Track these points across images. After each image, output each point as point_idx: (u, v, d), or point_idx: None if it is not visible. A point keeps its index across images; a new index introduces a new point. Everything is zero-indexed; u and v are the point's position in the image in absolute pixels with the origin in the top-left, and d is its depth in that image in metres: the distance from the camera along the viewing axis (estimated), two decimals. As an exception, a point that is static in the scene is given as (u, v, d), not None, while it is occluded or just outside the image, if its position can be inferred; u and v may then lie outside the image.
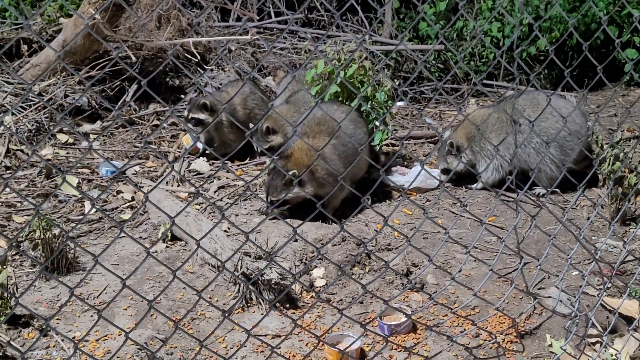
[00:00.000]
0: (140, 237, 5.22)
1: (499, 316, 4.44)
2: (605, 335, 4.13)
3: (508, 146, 5.92)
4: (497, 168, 6.01)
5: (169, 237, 5.19)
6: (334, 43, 7.68)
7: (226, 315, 2.70)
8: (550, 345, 4.30)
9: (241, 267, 4.43)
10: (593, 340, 4.32)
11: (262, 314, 4.39)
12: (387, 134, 6.37)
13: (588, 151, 5.96)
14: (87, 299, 4.44)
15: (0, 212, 5.48)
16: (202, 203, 5.76)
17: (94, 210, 5.60)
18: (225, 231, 5.26)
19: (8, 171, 6.19)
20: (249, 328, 4.25)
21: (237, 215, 5.55)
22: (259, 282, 4.41)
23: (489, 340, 4.28)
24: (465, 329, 4.38)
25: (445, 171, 6.25)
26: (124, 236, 5.10)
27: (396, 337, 4.29)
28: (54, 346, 3.99)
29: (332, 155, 5.64)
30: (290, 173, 5.36)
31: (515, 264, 5.03)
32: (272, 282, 4.39)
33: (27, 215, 5.43)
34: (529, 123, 5.89)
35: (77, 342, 3.12)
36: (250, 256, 4.52)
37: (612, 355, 4.09)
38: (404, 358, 4.11)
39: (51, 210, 5.58)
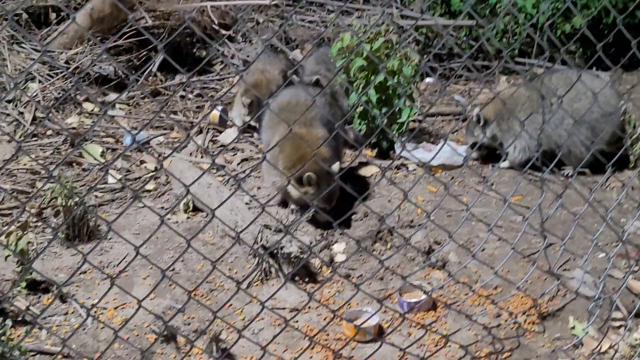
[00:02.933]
0: (162, 208, 5.20)
1: (521, 296, 4.36)
2: (630, 318, 4.04)
3: (537, 127, 5.79)
4: (524, 148, 5.89)
5: (191, 209, 5.16)
6: (362, 17, 7.57)
7: (239, 286, 2.65)
8: (573, 328, 4.21)
9: (261, 240, 4.39)
10: (617, 324, 4.23)
11: (280, 287, 4.35)
12: (414, 111, 6.27)
13: (621, 131, 5.83)
14: (107, 267, 4.44)
15: (25, 179, 5.48)
16: (224, 175, 5.72)
17: (116, 179, 5.60)
18: (247, 204, 5.23)
19: (34, 139, 6.20)
20: (268, 301, 4.26)
21: (259, 188, 5.50)
22: (279, 255, 4.37)
23: (510, 321, 4.21)
24: (485, 309, 4.32)
25: (472, 145, 6.15)
26: (144, 206, 5.15)
27: (415, 314, 4.23)
28: (72, 312, 3.98)
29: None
30: (306, 176, 4.90)
31: (540, 244, 4.93)
32: (292, 255, 4.34)
33: (51, 182, 5.42)
34: (560, 103, 5.77)
35: (89, 308, 3.10)
36: (270, 229, 4.47)
37: (636, 339, 4.00)
38: (422, 335, 4.06)
39: (75, 178, 5.57)
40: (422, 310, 4.26)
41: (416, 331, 4.12)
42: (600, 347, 3.97)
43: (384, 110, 5.96)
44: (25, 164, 5.77)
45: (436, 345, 4.01)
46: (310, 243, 4.75)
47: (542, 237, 4.84)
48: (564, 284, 3.16)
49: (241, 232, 2.98)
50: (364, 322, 3.90)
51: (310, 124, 5.24)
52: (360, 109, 5.97)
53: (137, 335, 3.86)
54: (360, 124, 6.05)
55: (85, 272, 4.34)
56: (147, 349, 3.26)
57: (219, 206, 3.03)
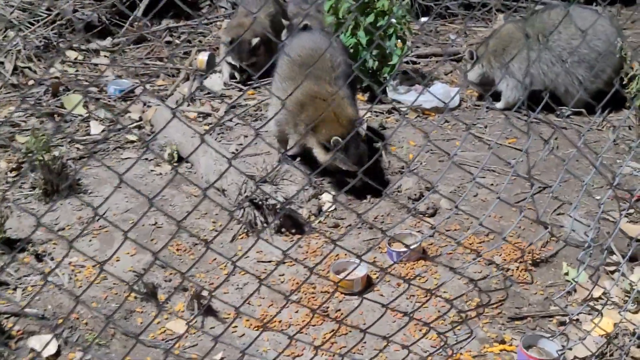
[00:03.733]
0: (146, 159, 5.06)
1: (514, 243, 4.25)
2: (624, 263, 3.92)
3: (530, 63, 5.61)
4: (516, 86, 5.71)
5: (175, 159, 5.02)
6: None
7: (208, 246, 2.51)
8: (567, 274, 4.11)
9: (245, 191, 4.26)
10: (612, 268, 4.12)
11: (267, 240, 4.23)
12: (406, 52, 6.08)
13: (619, 69, 5.64)
14: (86, 223, 4.30)
15: (4, 132, 5.33)
16: (211, 123, 5.57)
17: (99, 130, 5.45)
18: (233, 153, 5.09)
19: (16, 89, 6.03)
20: (253, 252, 4.16)
21: (246, 137, 5.35)
22: (264, 206, 4.25)
23: (503, 268, 4.10)
24: (476, 257, 4.20)
25: (465, 76, 6.00)
26: (127, 157, 5.01)
27: (405, 264, 4.12)
28: (48, 272, 3.87)
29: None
30: (333, 140, 4.55)
31: (533, 188, 4.80)
32: (277, 206, 4.21)
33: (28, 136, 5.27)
34: (558, 40, 5.57)
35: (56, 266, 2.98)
36: (254, 179, 4.33)
37: (630, 284, 3.90)
38: (406, 288, 3.94)
39: (55, 129, 5.42)
40: (412, 260, 4.14)
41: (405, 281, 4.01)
42: (593, 294, 3.86)
43: (374, 52, 5.77)
44: (5, 116, 5.62)
45: (426, 296, 3.90)
46: (299, 193, 4.61)
47: (535, 182, 4.73)
48: (551, 233, 3.01)
49: (209, 187, 2.80)
50: (348, 273, 3.78)
51: (335, 82, 4.88)
52: (350, 51, 5.78)
53: (116, 293, 3.75)
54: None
55: (63, 228, 4.21)
56: (110, 315, 3.12)
57: (190, 155, 2.86)
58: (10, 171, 4.81)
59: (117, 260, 3.97)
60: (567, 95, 5.65)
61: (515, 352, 3.55)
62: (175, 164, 4.99)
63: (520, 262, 4.13)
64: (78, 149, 5.21)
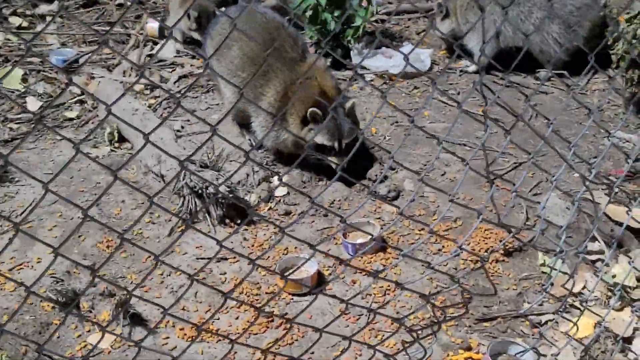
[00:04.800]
0: (84, 139, 4.58)
1: (484, 230, 3.82)
2: (611, 251, 3.49)
3: (497, 19, 5.14)
4: (488, 46, 5.21)
5: (116, 139, 4.56)
6: None
7: (123, 238, 2.06)
8: (543, 264, 3.69)
9: (184, 178, 3.81)
10: (594, 257, 3.70)
11: (209, 232, 3.80)
12: (372, 11, 5.59)
13: (600, 24, 5.17)
14: (9, 217, 3.86)
15: None
16: (158, 97, 5.08)
17: (36, 107, 4.97)
18: (178, 131, 4.62)
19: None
20: (192, 247, 3.72)
21: (195, 111, 4.87)
22: (204, 195, 3.80)
23: (469, 260, 3.68)
24: (443, 247, 3.77)
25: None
26: (62, 139, 4.54)
27: (362, 257, 3.69)
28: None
29: None
30: (351, 103, 4.22)
31: (509, 164, 4.36)
32: (219, 196, 3.77)
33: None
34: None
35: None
36: (195, 164, 3.87)
37: (614, 276, 3.48)
38: (369, 283, 3.53)
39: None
40: (369, 253, 3.71)
41: (362, 278, 3.59)
42: (573, 287, 3.44)
43: (336, 13, 5.26)
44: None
45: (384, 295, 3.49)
46: (247, 175, 4.16)
47: (514, 155, 4.30)
48: (517, 237, 2.56)
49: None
50: (294, 271, 3.35)
51: (303, 51, 4.42)
52: (309, 13, 5.27)
53: (32, 303, 3.31)
54: (311, 30, 5.36)
55: (-22, 224, 3.77)
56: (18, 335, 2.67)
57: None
58: None
59: (38, 262, 3.54)
60: (543, 56, 5.17)
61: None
62: (115, 145, 4.53)
63: (493, 251, 3.71)
64: (11, 129, 4.74)
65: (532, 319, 3.38)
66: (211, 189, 3.75)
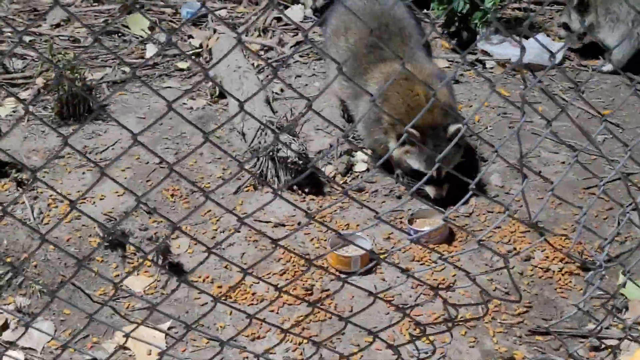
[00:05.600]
0: (186, 90, 4.61)
1: (564, 238, 3.50)
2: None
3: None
4: (633, 45, 4.75)
5: (217, 94, 4.55)
6: None
7: (208, 196, 2.01)
8: (623, 286, 3.31)
9: (259, 137, 3.75)
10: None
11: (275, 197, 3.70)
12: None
13: None
14: (91, 153, 3.94)
15: (59, 47, 5.02)
16: (270, 58, 5.03)
17: (153, 53, 5.07)
18: (276, 93, 4.56)
19: (95, 3, 5.75)
20: (254, 208, 3.64)
21: (299, 77, 4.78)
22: (275, 158, 3.71)
23: (541, 267, 3.38)
24: (515, 248, 3.48)
25: (565, 26, 5.10)
26: (168, 86, 4.62)
27: (422, 247, 3.47)
28: (22, 203, 3.53)
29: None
30: (456, 128, 3.60)
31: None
32: (288, 160, 3.66)
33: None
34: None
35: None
36: (273, 124, 3.78)
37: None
38: (424, 271, 3.32)
39: (111, 49, 5.08)
40: (433, 242, 3.49)
41: (418, 266, 3.38)
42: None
43: (465, -7, 4.98)
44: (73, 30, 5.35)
45: (435, 287, 3.26)
46: (330, 146, 4.03)
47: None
48: (547, 241, 2.24)
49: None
50: (339, 247, 3.21)
51: (412, 55, 3.95)
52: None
53: (80, 237, 3.36)
54: (438, 8, 5.12)
55: (62, 156, 3.86)
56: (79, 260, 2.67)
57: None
58: (44, 87, 4.52)
59: (101, 199, 3.59)
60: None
61: (522, 375, 2.87)
62: (213, 99, 4.53)
63: (568, 262, 3.38)
64: (123, 72, 4.85)
65: (593, 342, 3.05)
66: (282, 153, 3.65)
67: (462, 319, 2.67)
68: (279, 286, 2.05)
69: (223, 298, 3.16)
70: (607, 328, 3.10)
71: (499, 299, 3.06)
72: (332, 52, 4.11)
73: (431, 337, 2.44)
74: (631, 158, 2.34)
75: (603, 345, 3.03)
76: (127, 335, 2.05)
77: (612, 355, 2.87)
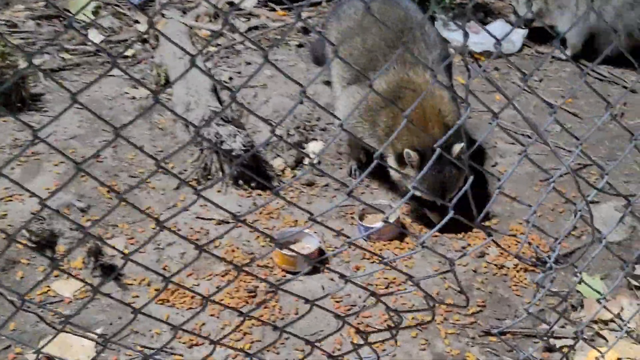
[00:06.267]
0: (128, 78, 4.40)
1: (518, 233, 3.36)
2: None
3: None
4: (579, 22, 4.63)
5: (162, 82, 4.34)
6: None
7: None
8: (580, 282, 3.18)
9: (204, 130, 3.55)
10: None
11: (220, 192, 3.52)
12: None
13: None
14: (21, 146, 3.71)
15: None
16: (220, 45, 4.82)
17: (97, 40, 4.83)
18: (225, 82, 4.36)
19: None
20: (196, 204, 3.45)
21: (249, 64, 4.58)
22: (219, 151, 3.52)
23: (495, 264, 3.24)
24: (469, 244, 3.34)
25: (514, 12, 5.03)
26: (112, 75, 4.40)
27: (374, 243, 3.31)
28: None
29: None
30: (461, 147, 3.20)
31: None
32: (233, 153, 3.47)
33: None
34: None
35: None
36: (217, 115, 3.59)
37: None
38: (375, 270, 3.16)
39: (51, 35, 4.83)
40: (383, 239, 3.33)
41: (368, 265, 3.22)
42: (603, 314, 2.96)
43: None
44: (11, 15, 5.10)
45: (386, 287, 3.11)
46: (281, 137, 3.83)
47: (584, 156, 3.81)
48: (496, 242, 2.09)
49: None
50: (285, 245, 3.03)
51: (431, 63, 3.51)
52: None
53: (4, 237, 3.13)
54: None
55: (-10, 150, 3.64)
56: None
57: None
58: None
59: (31, 197, 3.36)
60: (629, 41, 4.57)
61: (474, 380, 2.73)
62: (160, 88, 4.31)
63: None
64: (63, 58, 4.61)
65: (551, 342, 2.92)
66: (227, 146, 3.46)
67: (407, 325, 2.50)
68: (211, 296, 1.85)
69: (160, 302, 2.98)
70: (562, 327, 2.97)
71: (445, 304, 2.91)
72: (342, 49, 3.64)
73: (376, 345, 2.27)
74: (582, 152, 2.18)
75: (557, 345, 2.90)
76: (37, 352, 1.86)
77: (565, 358, 2.74)
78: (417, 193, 3.19)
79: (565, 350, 2.85)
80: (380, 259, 2.06)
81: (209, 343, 1.96)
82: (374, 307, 2.96)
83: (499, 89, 1.94)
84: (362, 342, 2.16)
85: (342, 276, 2.03)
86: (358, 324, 2.93)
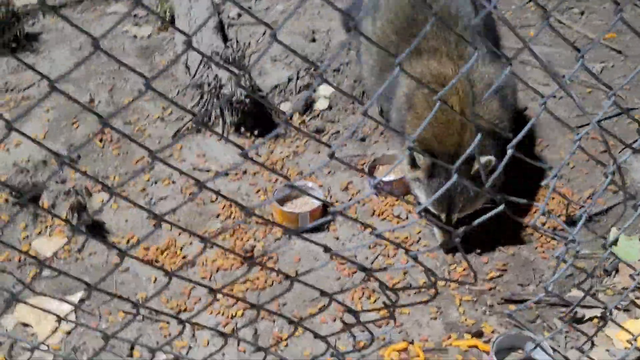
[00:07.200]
0: (135, 15, 4.10)
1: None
2: None
3: None
4: None
5: (167, 20, 4.03)
6: None
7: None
8: (614, 244, 2.85)
9: (201, 71, 3.26)
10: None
11: (219, 140, 3.24)
12: None
13: None
14: (13, 90, 3.47)
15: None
16: (231, -22, 4.48)
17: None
18: (232, 18, 4.04)
19: None
20: (193, 155, 3.20)
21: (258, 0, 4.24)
22: (219, 96, 3.23)
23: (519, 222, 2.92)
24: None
25: None
26: (113, 12, 4.13)
27: (385, 198, 3.01)
28: None
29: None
30: (485, 160, 2.60)
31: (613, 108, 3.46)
32: (234, 99, 3.17)
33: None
34: None
35: None
36: (219, 55, 3.28)
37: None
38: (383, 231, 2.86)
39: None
40: (396, 195, 3.02)
41: (379, 223, 2.93)
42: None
43: None
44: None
45: (397, 248, 2.82)
46: (289, 79, 3.54)
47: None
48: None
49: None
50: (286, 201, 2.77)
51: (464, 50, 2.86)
52: None
53: (-17, 192, 2.91)
54: None
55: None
56: None
57: None
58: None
59: (17, 146, 3.13)
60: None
61: (489, 352, 2.44)
62: (163, 26, 4.02)
63: (559, 214, 2.92)
64: (62, -5, 4.33)
65: (579, 312, 2.61)
66: (227, 90, 3.16)
67: (405, 304, 2.22)
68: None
69: (149, 262, 2.74)
70: (592, 295, 2.65)
71: (448, 280, 2.61)
72: (372, 25, 3.12)
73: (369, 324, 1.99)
74: (615, 104, 1.84)
75: (586, 317, 2.60)
76: None
77: (595, 330, 2.43)
78: (420, 199, 2.77)
79: (595, 321, 2.55)
80: (372, 229, 1.75)
81: (208, 291, 1.65)
82: (385, 267, 2.70)
83: (514, 31, 1.59)
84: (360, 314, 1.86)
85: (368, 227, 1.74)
86: (362, 288, 2.66)
